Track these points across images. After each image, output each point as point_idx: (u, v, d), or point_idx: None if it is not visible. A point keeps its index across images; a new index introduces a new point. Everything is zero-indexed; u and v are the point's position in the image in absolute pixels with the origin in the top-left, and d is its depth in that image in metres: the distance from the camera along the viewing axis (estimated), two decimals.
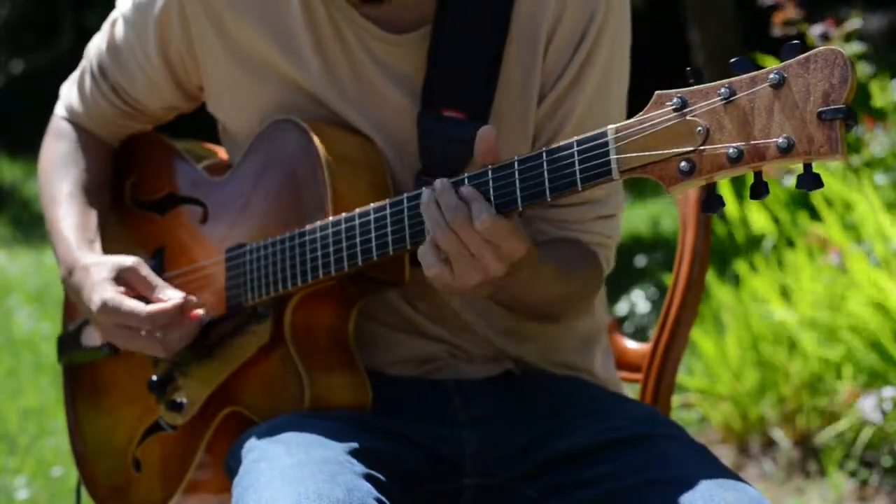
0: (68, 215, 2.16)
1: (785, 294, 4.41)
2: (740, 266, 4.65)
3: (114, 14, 2.18)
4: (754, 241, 5.04)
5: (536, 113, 1.99)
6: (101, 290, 2.02)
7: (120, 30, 2.15)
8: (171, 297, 2.01)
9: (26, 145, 11.90)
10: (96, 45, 2.21)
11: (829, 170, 4.54)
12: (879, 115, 4.55)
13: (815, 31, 4.38)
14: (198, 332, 2.03)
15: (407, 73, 1.99)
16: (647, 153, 1.61)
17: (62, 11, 14.27)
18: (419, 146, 1.97)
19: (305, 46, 2.00)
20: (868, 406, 3.70)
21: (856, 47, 4.40)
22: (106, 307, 2.00)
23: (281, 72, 2.02)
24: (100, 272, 2.04)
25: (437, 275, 1.77)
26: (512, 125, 1.99)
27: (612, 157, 1.63)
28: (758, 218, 5.02)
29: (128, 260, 2.05)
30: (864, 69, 4.42)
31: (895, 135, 4.28)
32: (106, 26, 2.19)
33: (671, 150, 1.59)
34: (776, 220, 4.92)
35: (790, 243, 4.80)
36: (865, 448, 3.91)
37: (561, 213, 2.00)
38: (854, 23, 4.43)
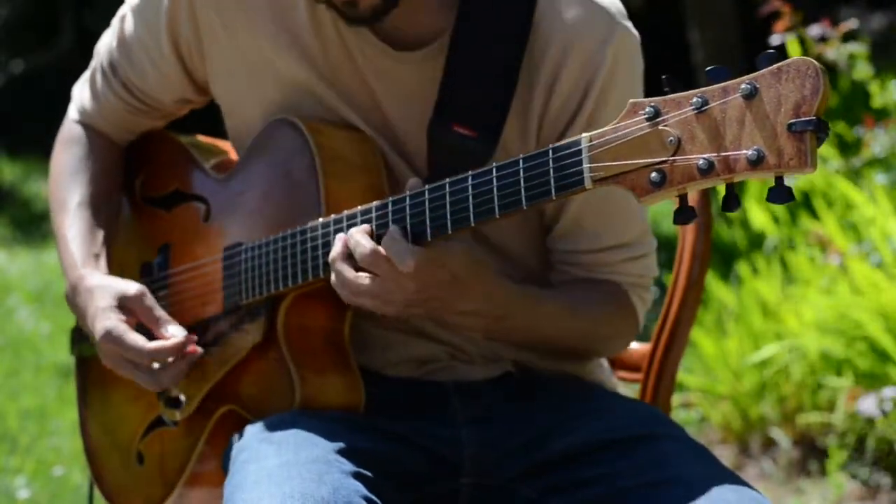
0: (75, 226, 2.15)
1: (786, 294, 4.41)
2: (742, 267, 4.65)
3: (122, 10, 2.17)
4: (757, 243, 5.04)
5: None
6: (105, 318, 2.02)
7: (129, 24, 2.15)
8: (172, 333, 2.01)
9: (26, 145, 11.90)
10: (106, 43, 2.20)
11: (831, 170, 4.54)
12: (879, 115, 4.55)
13: (812, 32, 4.38)
14: (188, 368, 2.03)
15: (412, 91, 1.98)
16: (619, 162, 1.58)
17: (62, 11, 14.25)
18: (428, 157, 1.97)
19: (313, 51, 2.00)
20: (868, 406, 3.70)
21: (853, 47, 4.39)
22: (109, 336, 2.00)
23: (287, 74, 2.02)
24: (104, 298, 2.04)
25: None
26: (511, 152, 1.96)
27: (585, 165, 1.62)
28: (759, 218, 5.01)
29: (131, 288, 2.05)
30: (863, 69, 4.41)
31: (895, 135, 4.28)
32: (115, 23, 2.19)
33: (643, 160, 1.56)
34: (776, 220, 4.92)
35: (791, 244, 4.80)
36: (866, 448, 3.91)
37: (592, 258, 2.01)
38: (850, 23, 4.43)
